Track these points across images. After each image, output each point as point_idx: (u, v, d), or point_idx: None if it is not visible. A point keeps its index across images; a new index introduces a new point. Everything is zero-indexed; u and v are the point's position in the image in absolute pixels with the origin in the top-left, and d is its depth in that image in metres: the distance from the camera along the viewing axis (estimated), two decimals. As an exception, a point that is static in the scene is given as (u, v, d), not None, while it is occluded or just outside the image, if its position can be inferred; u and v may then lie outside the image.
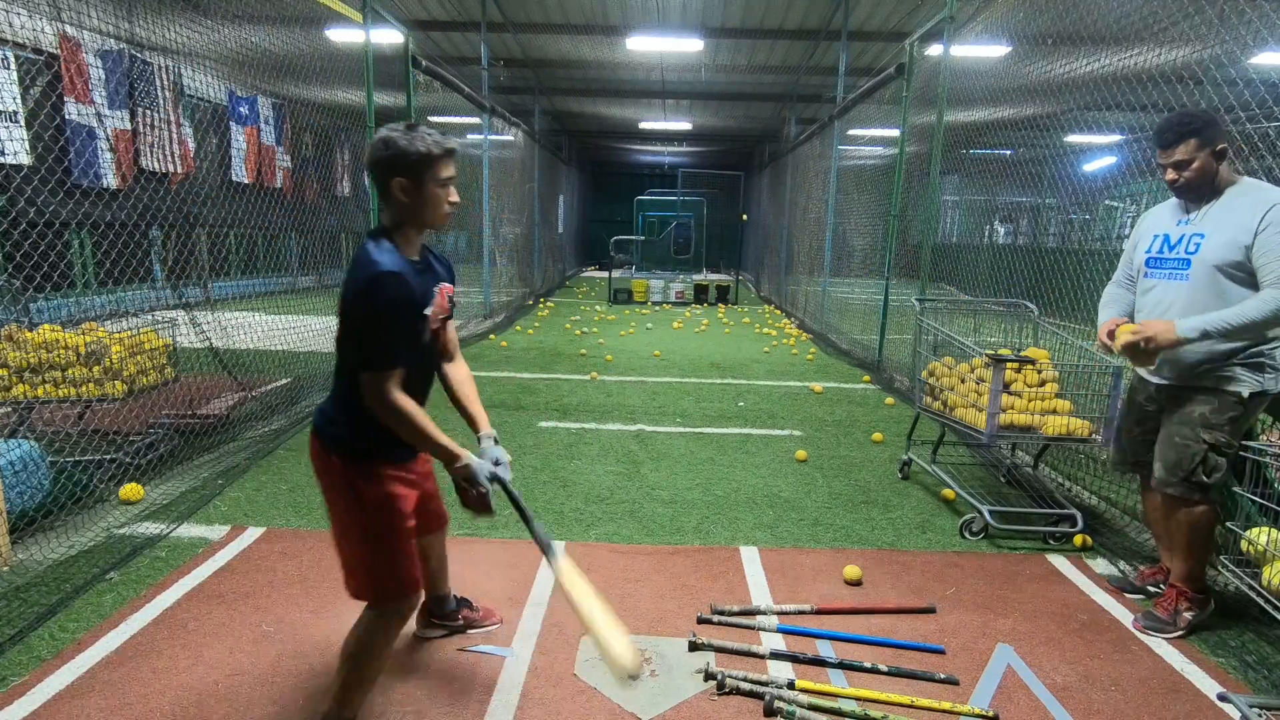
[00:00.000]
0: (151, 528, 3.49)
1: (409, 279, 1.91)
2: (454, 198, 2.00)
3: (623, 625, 1.95)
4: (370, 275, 1.85)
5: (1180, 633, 2.82)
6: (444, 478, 2.24)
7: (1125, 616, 2.98)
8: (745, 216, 17.43)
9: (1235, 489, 2.78)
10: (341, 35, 7.10)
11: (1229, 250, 2.56)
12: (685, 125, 21.24)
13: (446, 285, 2.12)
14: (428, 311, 2.00)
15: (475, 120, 11.04)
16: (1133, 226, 3.09)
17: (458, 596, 2.74)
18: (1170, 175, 2.69)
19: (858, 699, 2.37)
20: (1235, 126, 3.42)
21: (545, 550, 2.06)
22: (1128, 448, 3.08)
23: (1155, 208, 2.97)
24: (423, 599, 2.40)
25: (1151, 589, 3.13)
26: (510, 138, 12.94)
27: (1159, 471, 2.80)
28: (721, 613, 2.87)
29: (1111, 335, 2.93)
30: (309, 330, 6.35)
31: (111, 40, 7.75)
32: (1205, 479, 2.70)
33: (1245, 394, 2.62)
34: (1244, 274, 2.56)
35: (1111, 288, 3.14)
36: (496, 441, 2.15)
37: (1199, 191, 2.68)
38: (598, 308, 14.01)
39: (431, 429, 1.95)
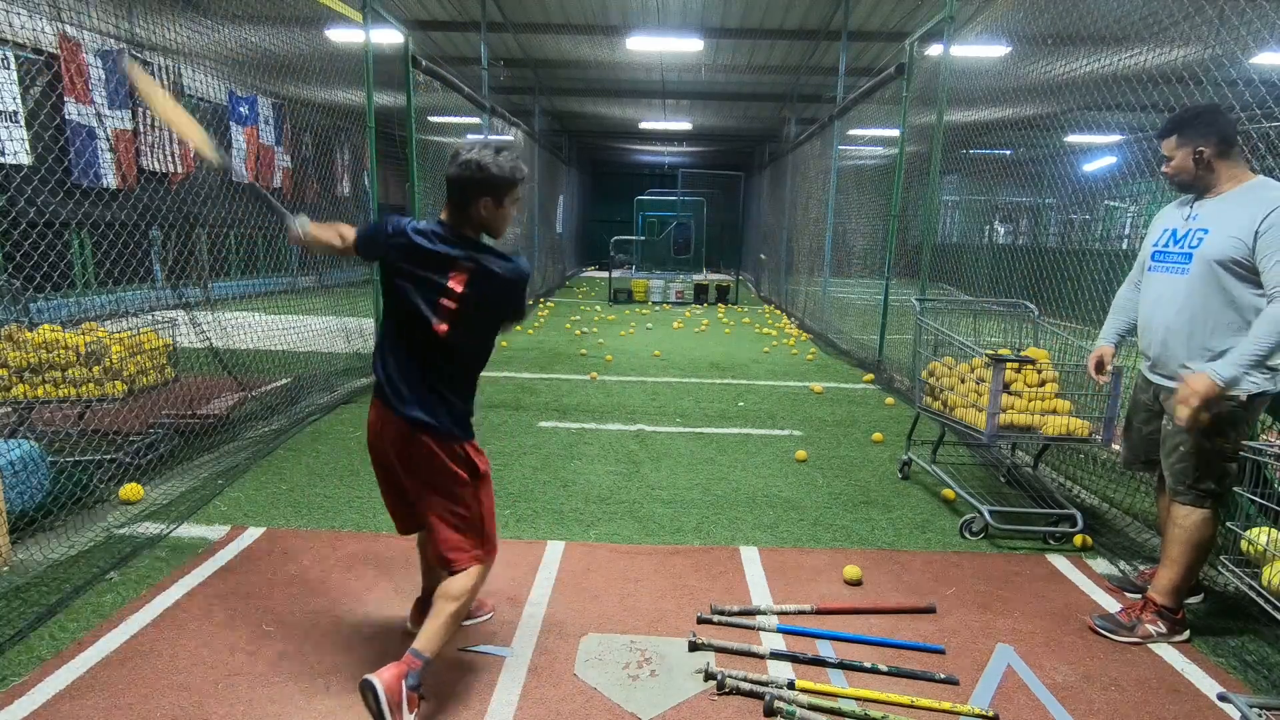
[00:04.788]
0: (151, 528, 3.49)
1: (422, 237, 2.18)
2: (512, 214, 2.28)
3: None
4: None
5: (1135, 640, 2.78)
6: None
7: (1125, 616, 2.97)
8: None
9: (1235, 489, 2.78)
10: (341, 35, 7.10)
11: (1229, 246, 2.56)
12: (685, 125, 21.24)
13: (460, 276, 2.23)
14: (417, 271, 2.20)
15: (475, 120, 11.04)
16: (1133, 227, 3.11)
17: None
18: (1164, 167, 2.76)
19: (858, 699, 2.37)
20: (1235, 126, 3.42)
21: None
22: (1138, 446, 3.05)
23: (1171, 203, 2.96)
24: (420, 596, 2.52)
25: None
26: (510, 138, 12.93)
27: (1169, 479, 2.78)
28: (721, 613, 2.87)
29: (1099, 365, 3.09)
30: (309, 330, 6.35)
31: (111, 40, 7.75)
32: (1213, 486, 2.68)
33: (1244, 396, 2.62)
34: (1244, 270, 2.56)
35: (1125, 289, 3.13)
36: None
37: (1184, 187, 2.74)
38: (598, 308, 14.01)
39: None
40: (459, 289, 2.17)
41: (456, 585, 2.25)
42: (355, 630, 2.71)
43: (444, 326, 2.18)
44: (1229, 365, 2.48)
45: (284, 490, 4.07)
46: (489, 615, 2.84)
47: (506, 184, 2.16)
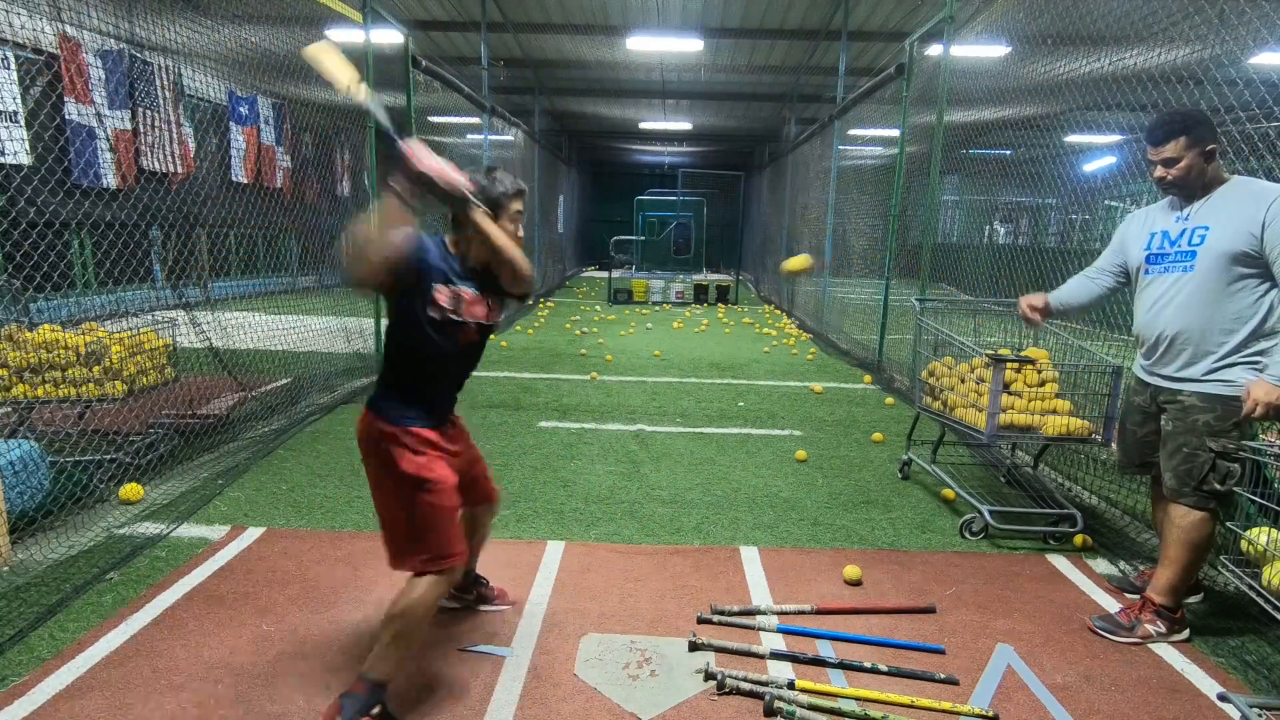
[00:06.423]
0: (151, 528, 3.49)
1: (428, 249, 2.15)
2: (520, 233, 2.27)
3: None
4: None
5: (1135, 640, 2.78)
6: (494, 454, 2.24)
7: (1125, 616, 2.97)
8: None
9: (1234, 489, 2.78)
10: (341, 35, 7.10)
11: (1237, 239, 2.58)
12: (685, 125, 21.24)
13: (469, 292, 2.23)
14: (437, 289, 2.16)
15: (475, 120, 11.04)
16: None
17: (475, 573, 2.85)
18: (1159, 172, 2.72)
19: (858, 699, 2.37)
20: (1235, 126, 3.42)
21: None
22: (1132, 449, 3.04)
23: (1144, 208, 2.98)
24: (462, 571, 2.42)
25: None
26: (510, 138, 12.93)
27: (1170, 481, 2.77)
28: (721, 613, 2.87)
29: (1034, 308, 3.24)
30: (309, 330, 6.35)
31: (111, 40, 7.75)
32: (1218, 487, 2.67)
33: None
34: (1251, 260, 2.58)
35: (1078, 276, 3.21)
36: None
37: (1186, 190, 2.72)
38: (598, 308, 14.00)
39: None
40: None
41: (400, 600, 2.12)
42: (355, 630, 2.70)
43: None
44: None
45: (284, 490, 4.07)
46: (507, 607, 2.89)
47: (495, 200, 2.22)
